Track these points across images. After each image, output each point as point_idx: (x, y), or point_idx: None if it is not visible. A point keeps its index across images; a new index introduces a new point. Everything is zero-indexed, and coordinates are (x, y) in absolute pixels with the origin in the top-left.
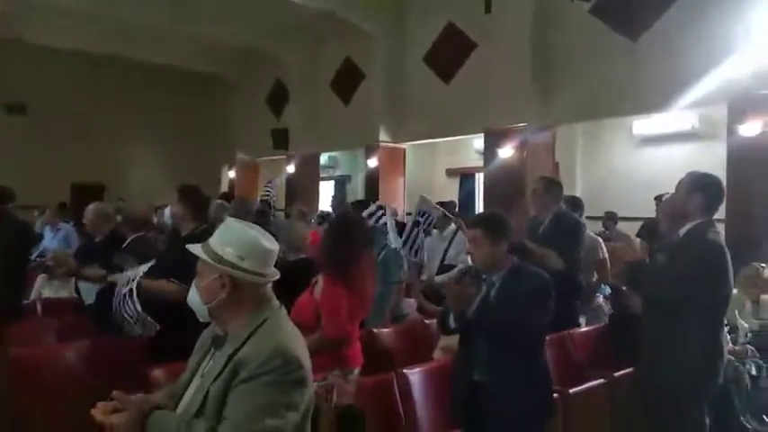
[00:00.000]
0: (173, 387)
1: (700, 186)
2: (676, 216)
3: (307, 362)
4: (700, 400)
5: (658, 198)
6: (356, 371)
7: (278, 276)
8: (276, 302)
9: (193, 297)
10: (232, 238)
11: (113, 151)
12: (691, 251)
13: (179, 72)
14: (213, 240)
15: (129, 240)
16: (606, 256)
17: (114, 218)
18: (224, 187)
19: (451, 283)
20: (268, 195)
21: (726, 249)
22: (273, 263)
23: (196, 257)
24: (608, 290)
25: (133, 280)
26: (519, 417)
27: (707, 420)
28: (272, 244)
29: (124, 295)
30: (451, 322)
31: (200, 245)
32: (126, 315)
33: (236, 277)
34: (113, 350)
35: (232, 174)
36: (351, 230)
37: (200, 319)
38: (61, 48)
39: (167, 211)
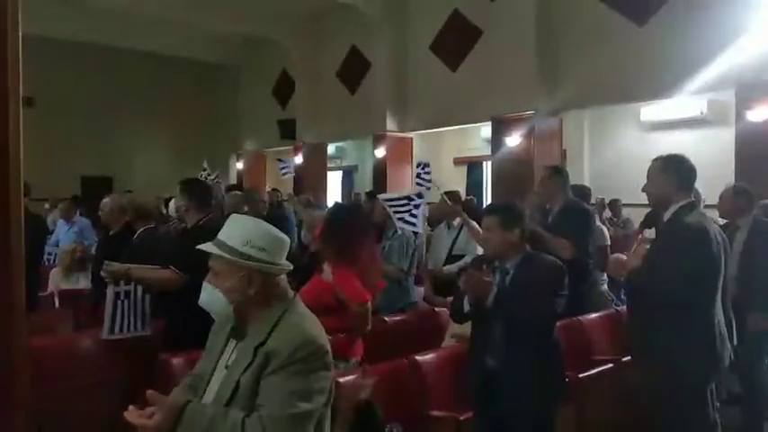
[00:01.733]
0: (191, 379)
1: (674, 167)
2: (660, 202)
3: (329, 346)
4: (699, 387)
5: None
6: (352, 361)
7: (290, 268)
8: (291, 292)
9: (212, 298)
10: (250, 233)
11: (121, 143)
12: (671, 239)
13: (185, 62)
14: (231, 239)
15: (138, 232)
16: (608, 243)
17: (127, 210)
18: (232, 178)
19: (470, 271)
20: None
21: (707, 230)
22: (285, 254)
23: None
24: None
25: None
26: (534, 401)
27: (714, 403)
28: (285, 236)
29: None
30: (466, 308)
31: (214, 245)
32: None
33: (263, 271)
34: (128, 339)
35: (240, 165)
36: (346, 219)
37: (217, 319)
38: (67, 40)
39: (171, 204)
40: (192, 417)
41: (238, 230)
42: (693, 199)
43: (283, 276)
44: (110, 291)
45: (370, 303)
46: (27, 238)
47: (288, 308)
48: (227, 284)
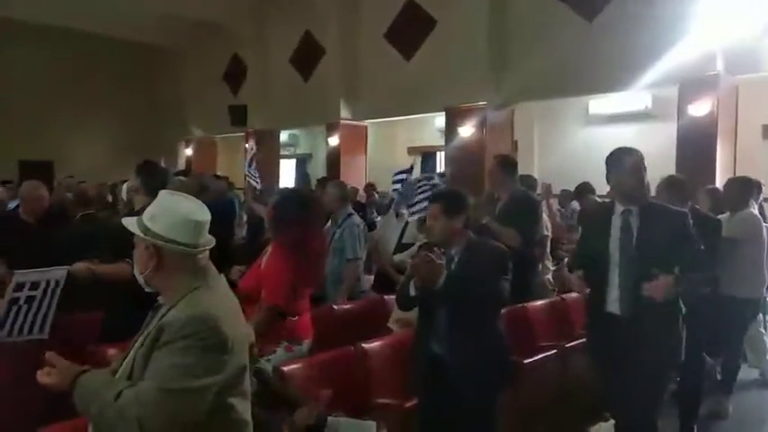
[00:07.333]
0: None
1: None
2: (627, 196)
3: (230, 330)
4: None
5: None
6: (306, 342)
7: (209, 246)
8: (214, 272)
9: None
10: (161, 210)
11: (63, 127)
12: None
13: (129, 45)
14: (145, 213)
15: (77, 217)
16: (550, 234)
17: (46, 198)
18: (181, 164)
19: (421, 254)
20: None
21: None
22: (205, 233)
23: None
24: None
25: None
26: (478, 386)
27: None
28: (202, 215)
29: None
30: (411, 292)
31: (134, 218)
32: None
33: (161, 248)
34: (62, 329)
35: (189, 151)
36: (297, 201)
37: (146, 289)
38: (4, 19)
39: (124, 186)
40: (84, 384)
41: (153, 205)
42: None
43: (203, 256)
44: (7, 295)
45: (277, 309)
46: None
47: (201, 286)
48: (137, 255)
